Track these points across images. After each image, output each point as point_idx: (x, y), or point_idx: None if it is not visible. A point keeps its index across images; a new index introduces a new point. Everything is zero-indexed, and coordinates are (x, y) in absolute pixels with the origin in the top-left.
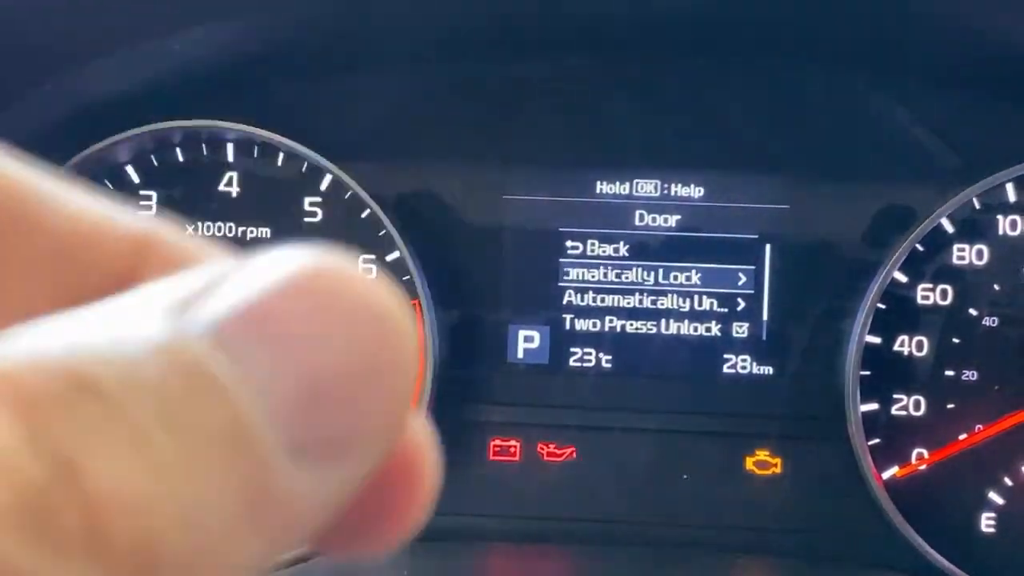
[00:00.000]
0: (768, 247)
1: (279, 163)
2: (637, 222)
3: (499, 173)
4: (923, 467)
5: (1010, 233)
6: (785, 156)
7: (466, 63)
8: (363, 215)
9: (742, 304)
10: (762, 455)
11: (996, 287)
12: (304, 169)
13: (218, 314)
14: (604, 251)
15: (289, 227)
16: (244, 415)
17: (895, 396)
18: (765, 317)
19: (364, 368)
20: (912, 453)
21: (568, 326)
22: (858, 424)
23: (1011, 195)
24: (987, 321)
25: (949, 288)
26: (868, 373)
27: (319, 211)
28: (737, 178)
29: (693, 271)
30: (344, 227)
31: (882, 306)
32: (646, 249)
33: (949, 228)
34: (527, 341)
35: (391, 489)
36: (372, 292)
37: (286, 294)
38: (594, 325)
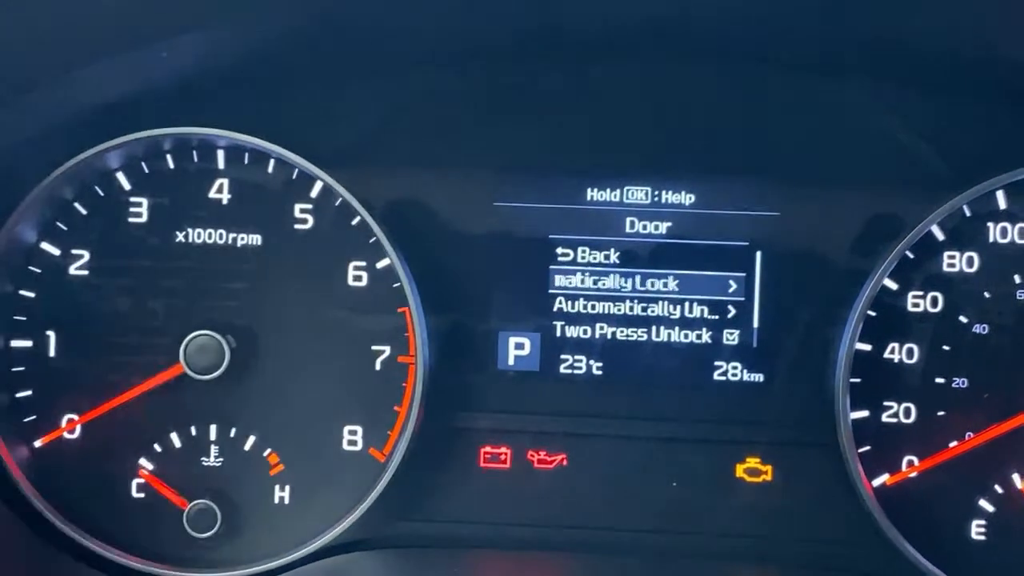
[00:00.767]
0: (759, 254)
1: (269, 170)
2: (628, 229)
3: (489, 180)
4: (913, 474)
5: (1000, 240)
6: (776, 163)
7: (456, 71)
8: (353, 222)
9: (732, 311)
10: (752, 462)
11: (987, 294)
12: (294, 176)
13: None
14: (595, 258)
15: (279, 234)
16: None
17: (885, 403)
18: (755, 324)
19: None
20: (902, 460)
21: (558, 333)
22: (848, 431)
23: (1002, 202)
24: (978, 328)
25: (939, 295)
26: (858, 380)
27: (309, 218)
28: (728, 185)
29: (683, 278)
30: (334, 234)
31: (872, 313)
32: (636, 256)
33: (939, 235)
34: (517, 348)
35: None
36: None
37: None
38: (584, 332)
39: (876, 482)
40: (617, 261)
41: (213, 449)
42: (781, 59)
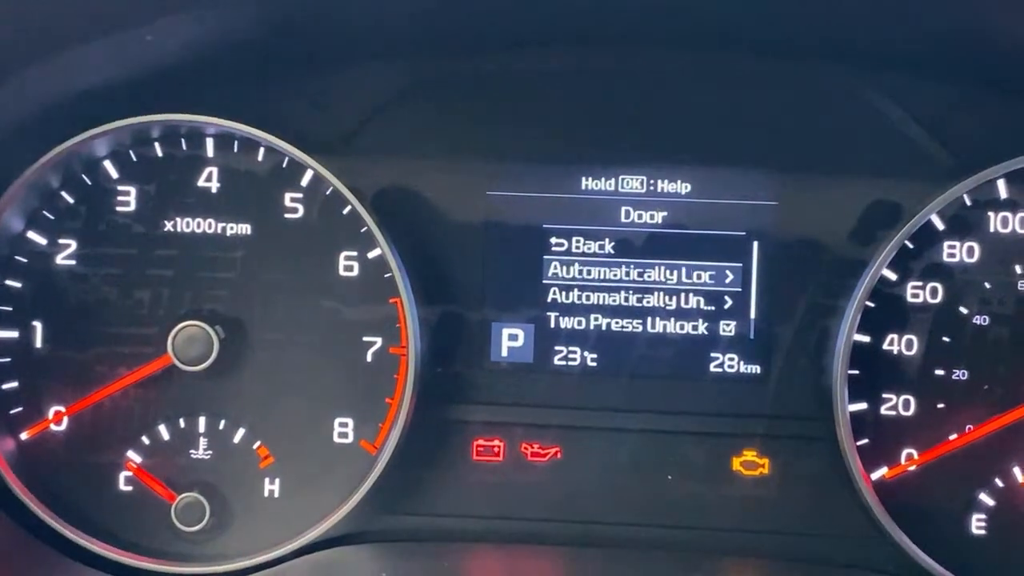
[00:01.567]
0: (756, 244)
1: (259, 158)
2: (623, 219)
3: (483, 169)
4: (912, 468)
5: (1001, 230)
6: (773, 152)
7: (448, 58)
8: (344, 211)
9: (729, 302)
10: (749, 455)
11: (987, 285)
12: (284, 164)
13: None
14: (589, 248)
15: (269, 223)
16: None
17: (884, 396)
18: (752, 315)
19: None
20: (901, 454)
21: (552, 324)
22: (846, 424)
23: (1002, 191)
24: (978, 319)
25: (939, 286)
26: (856, 372)
27: (300, 207)
28: (724, 174)
29: (679, 268)
30: (325, 223)
31: (871, 304)
32: (632, 246)
33: (939, 225)
34: (511, 339)
35: None
36: None
37: None
38: (579, 323)
39: (875, 475)
40: (612, 251)
41: (202, 441)
42: (779, 46)
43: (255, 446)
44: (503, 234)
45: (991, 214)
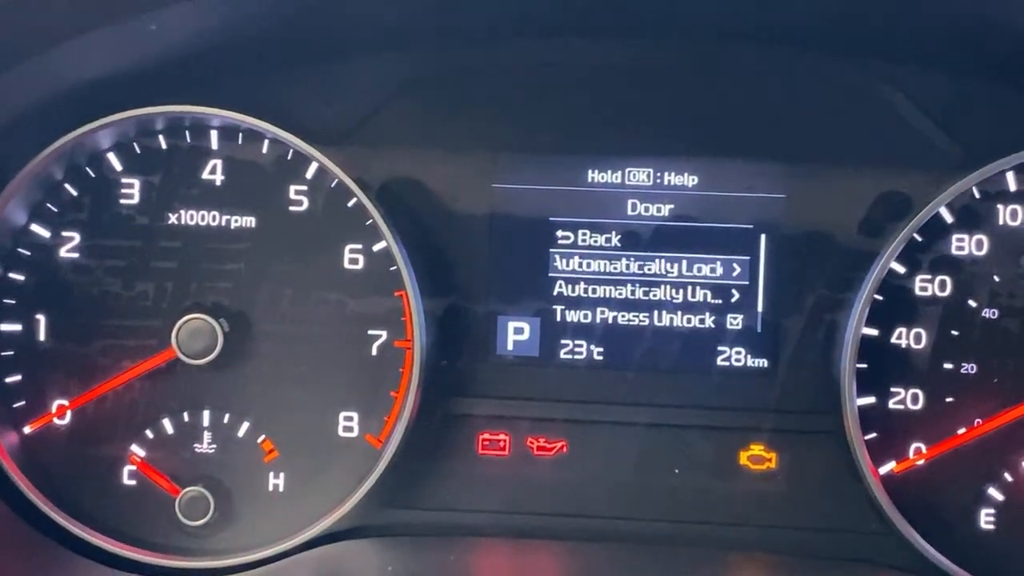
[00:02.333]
0: (763, 237)
1: (264, 150)
2: (629, 211)
3: (489, 161)
4: (921, 462)
5: (1010, 223)
6: (780, 144)
7: (454, 50)
8: (349, 204)
9: (736, 295)
10: (756, 449)
11: (996, 278)
12: (289, 156)
13: None
14: (596, 241)
15: (274, 216)
16: None
17: (892, 390)
18: (760, 309)
19: None
20: (910, 448)
21: (559, 318)
22: (854, 418)
23: (1012, 184)
24: (987, 313)
25: (948, 279)
26: (865, 366)
27: (304, 200)
28: (732, 167)
29: (686, 261)
30: (330, 216)
31: (879, 297)
32: (638, 239)
33: (948, 217)
34: (516, 333)
35: None
36: None
37: None
38: (585, 317)
39: (883, 470)
40: (619, 244)
41: (206, 435)
42: (786, 38)
43: (259, 440)
44: (509, 227)
45: (1000, 206)
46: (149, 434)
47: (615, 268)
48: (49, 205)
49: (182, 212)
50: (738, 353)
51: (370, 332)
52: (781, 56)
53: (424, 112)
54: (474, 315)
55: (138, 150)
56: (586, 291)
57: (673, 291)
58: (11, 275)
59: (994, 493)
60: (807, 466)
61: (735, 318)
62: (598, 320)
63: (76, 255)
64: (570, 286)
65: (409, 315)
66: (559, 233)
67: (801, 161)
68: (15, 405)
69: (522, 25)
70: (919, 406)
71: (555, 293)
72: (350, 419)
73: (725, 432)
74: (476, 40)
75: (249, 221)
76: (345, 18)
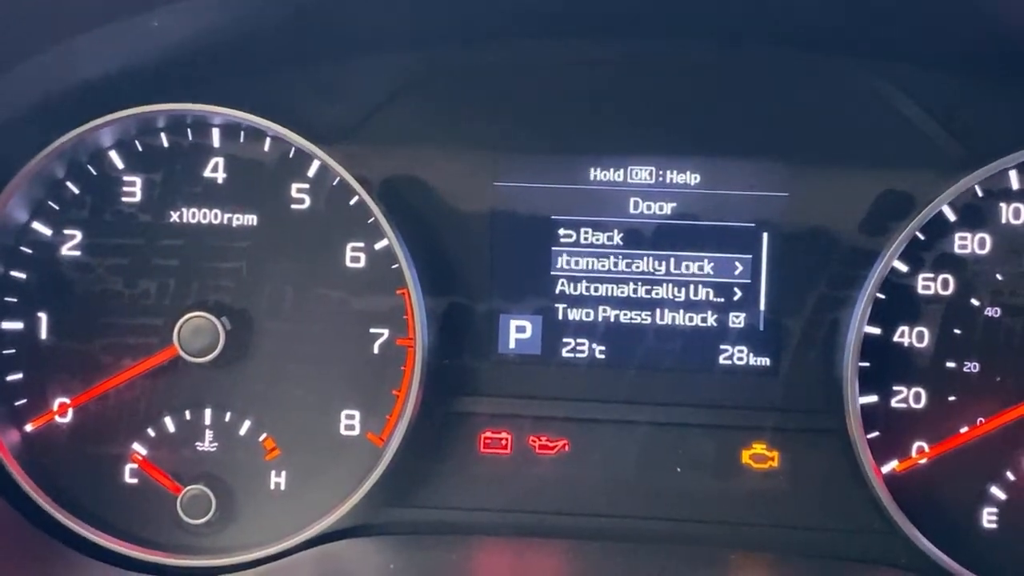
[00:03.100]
0: (765, 235)
1: (265, 148)
2: (631, 210)
3: (490, 159)
4: (923, 461)
5: (1013, 221)
6: (783, 143)
7: (456, 48)
8: (351, 202)
9: (739, 294)
10: (758, 448)
11: (999, 276)
12: (291, 154)
13: None
14: (597, 239)
15: (276, 214)
16: None
17: (895, 388)
18: (762, 307)
19: None
20: (912, 447)
21: (560, 316)
22: (857, 417)
23: (1014, 182)
24: (989, 311)
25: (950, 277)
26: (867, 364)
27: (306, 198)
28: (734, 165)
29: (689, 260)
30: (331, 214)
31: (882, 296)
32: (640, 237)
33: (950, 216)
34: (519, 331)
35: None
36: None
37: None
38: (587, 315)
39: (885, 469)
40: (621, 242)
41: (208, 434)
42: (788, 37)
43: (261, 438)
44: (511, 225)
45: (1003, 205)
46: (151, 432)
47: (617, 266)
48: (51, 203)
49: (184, 210)
50: (740, 352)
51: (372, 330)
52: (783, 55)
53: (426, 110)
54: (476, 313)
55: (140, 148)
56: (588, 289)
57: (675, 289)
58: (13, 273)
59: (997, 492)
60: (809, 465)
61: (737, 317)
62: (600, 319)
63: (78, 253)
64: (572, 284)
65: (411, 313)
66: (561, 231)
67: (803, 160)
68: (17, 403)
69: (524, 24)
70: (921, 405)
71: (557, 291)
72: (352, 417)
73: (727, 431)
74: (478, 39)
75: (251, 219)
76: (347, 17)
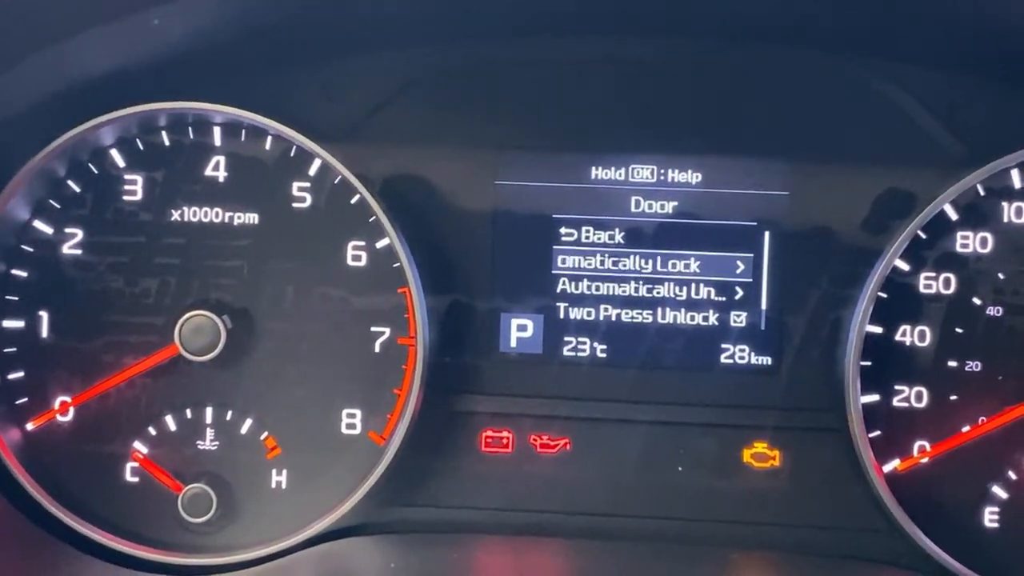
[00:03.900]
0: (767, 234)
1: (267, 147)
2: (633, 208)
3: (491, 158)
4: (925, 460)
5: (1015, 220)
6: (784, 141)
7: (457, 46)
8: (352, 200)
9: (740, 293)
10: (760, 447)
11: (1001, 275)
12: (292, 153)
13: None
14: (599, 238)
15: (277, 213)
16: None
17: (896, 387)
18: (763, 306)
19: None
20: (914, 446)
21: (562, 315)
22: (858, 416)
23: (1016, 181)
24: (991, 310)
25: (952, 276)
26: (869, 363)
27: (307, 196)
28: (735, 164)
29: (690, 259)
30: (333, 213)
31: (883, 295)
32: (642, 236)
33: (952, 215)
34: (520, 330)
35: None
36: None
37: None
38: (588, 314)
39: (887, 468)
40: (622, 241)
41: (209, 432)
42: (790, 35)
43: (262, 437)
44: (512, 224)
45: (1005, 204)
46: (152, 431)
47: (618, 265)
48: (52, 201)
49: (185, 208)
50: (742, 351)
51: (373, 329)
52: (785, 54)
53: (427, 109)
54: (477, 312)
55: (141, 146)
56: (589, 288)
57: (676, 288)
58: (14, 271)
59: (998, 491)
60: (811, 464)
61: (739, 315)
62: (601, 317)
63: (79, 251)
64: (573, 283)
65: (412, 312)
66: (562, 230)
67: (805, 158)
68: (18, 402)
69: (525, 22)
70: (923, 404)
71: (558, 290)
72: (353, 416)
73: (728, 430)
74: (479, 37)
75: (252, 218)
76: (349, 15)
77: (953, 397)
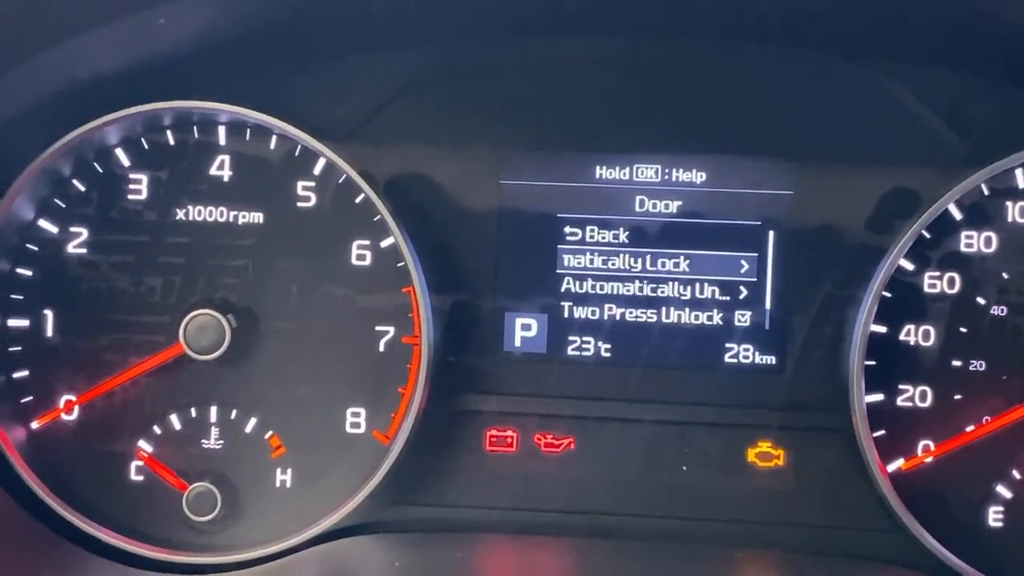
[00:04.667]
0: (771, 233)
1: (271, 146)
2: (637, 208)
3: (496, 157)
4: (929, 459)
5: (1019, 220)
6: (788, 141)
7: (462, 45)
8: (357, 200)
9: (744, 292)
10: (764, 447)
11: (1005, 275)
12: (297, 152)
13: None
14: (603, 237)
15: (281, 212)
16: None
17: (901, 387)
18: (768, 305)
19: None
20: (918, 445)
21: (566, 314)
22: (863, 415)
23: (1020, 180)
24: (995, 310)
25: (956, 276)
26: (873, 363)
27: (312, 195)
28: (739, 163)
29: (694, 258)
30: (337, 212)
31: (888, 294)
32: (646, 235)
33: (957, 214)
34: (524, 329)
35: None
36: None
37: None
38: (593, 313)
39: (891, 467)
40: (626, 240)
41: (213, 431)
42: (794, 35)
43: (267, 436)
44: (516, 223)
45: (1009, 203)
46: (156, 430)
47: (623, 265)
48: (57, 200)
49: (190, 208)
50: (746, 350)
51: (378, 328)
52: (789, 53)
53: (432, 108)
54: (482, 311)
55: (146, 145)
56: (594, 287)
57: (681, 288)
58: (19, 270)
59: (1003, 491)
60: (815, 463)
61: (743, 315)
62: (606, 317)
63: (84, 251)
64: (578, 282)
65: (417, 311)
66: (567, 229)
67: (809, 158)
68: (23, 400)
69: (529, 21)
70: (927, 403)
71: (563, 289)
72: (357, 415)
73: (733, 429)
74: (483, 36)
75: (256, 217)
76: (353, 15)
77: (957, 397)
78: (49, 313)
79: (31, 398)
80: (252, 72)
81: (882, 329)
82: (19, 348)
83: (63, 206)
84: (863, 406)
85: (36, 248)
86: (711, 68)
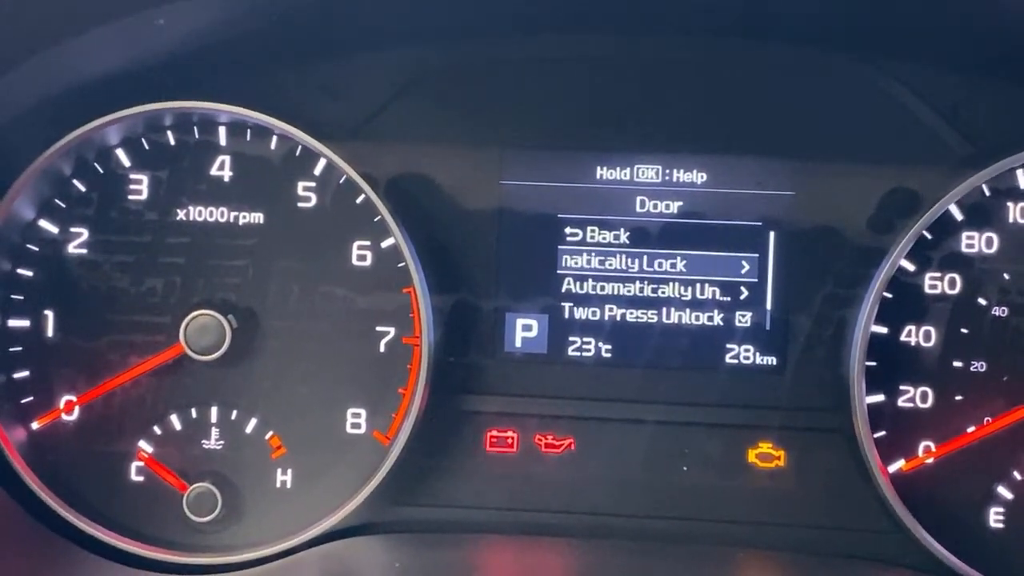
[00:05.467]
0: (772, 234)
1: (272, 146)
2: (638, 208)
3: (496, 158)
4: (930, 460)
5: (1020, 220)
6: (789, 141)
7: (462, 45)
8: (357, 200)
9: (745, 292)
10: (765, 447)
11: (1006, 275)
12: (297, 152)
13: None
14: (604, 238)
15: (282, 212)
16: None
17: (902, 388)
18: (768, 306)
19: None
20: (919, 446)
21: (567, 315)
22: (863, 416)
23: (1021, 181)
24: (996, 311)
25: (957, 276)
26: (874, 364)
27: (312, 196)
28: (741, 163)
29: (695, 258)
30: (338, 212)
31: (888, 295)
32: (647, 236)
33: (958, 215)
34: (525, 330)
35: None
36: None
37: None
38: (593, 314)
39: (892, 468)
40: (627, 241)
41: (214, 431)
42: (794, 34)
43: (267, 436)
44: (517, 223)
45: (1010, 204)
46: (157, 430)
47: (623, 265)
48: (57, 201)
49: (190, 208)
50: (747, 351)
51: (378, 328)
52: (790, 53)
53: (432, 108)
54: (482, 312)
55: (146, 146)
56: (594, 288)
57: (681, 288)
58: (19, 271)
59: (1003, 491)
60: (816, 464)
61: (743, 315)
62: (606, 317)
63: (84, 251)
64: (578, 283)
65: (417, 311)
66: (567, 230)
67: (810, 158)
68: (23, 401)
69: (530, 21)
70: (928, 404)
71: (563, 290)
72: (358, 416)
73: (733, 430)
74: (483, 36)
75: (257, 217)
76: (353, 14)
77: (958, 397)
78: (50, 313)
79: (31, 398)
80: (252, 72)
81: (883, 330)
82: (20, 348)
83: (64, 206)
84: (864, 407)
85: (37, 248)
86: (712, 68)
